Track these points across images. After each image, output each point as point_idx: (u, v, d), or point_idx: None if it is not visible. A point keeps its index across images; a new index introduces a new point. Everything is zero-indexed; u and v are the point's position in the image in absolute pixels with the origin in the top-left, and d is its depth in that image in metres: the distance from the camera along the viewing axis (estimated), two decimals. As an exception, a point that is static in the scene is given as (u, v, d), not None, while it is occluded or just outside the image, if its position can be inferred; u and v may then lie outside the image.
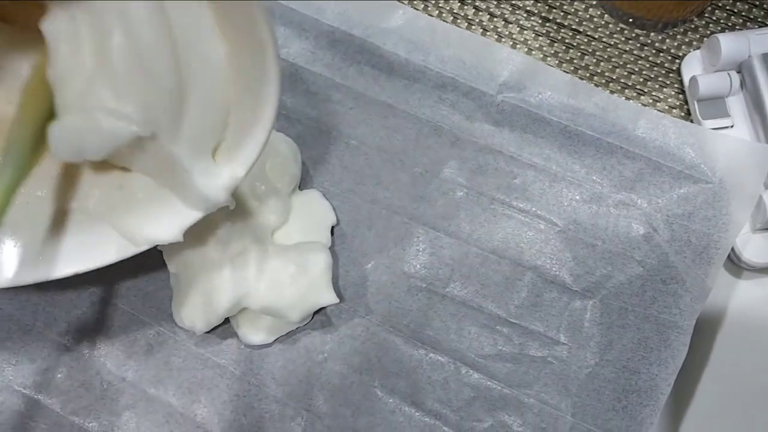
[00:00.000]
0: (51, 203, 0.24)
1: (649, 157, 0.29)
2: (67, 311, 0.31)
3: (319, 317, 0.30)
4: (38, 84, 0.21)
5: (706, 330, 0.29)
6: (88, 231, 0.25)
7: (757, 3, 0.34)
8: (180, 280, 0.29)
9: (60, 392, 0.30)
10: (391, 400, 0.28)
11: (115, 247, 0.24)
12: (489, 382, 0.28)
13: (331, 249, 0.30)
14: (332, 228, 0.30)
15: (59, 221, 0.24)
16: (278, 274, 0.28)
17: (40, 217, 0.24)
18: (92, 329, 0.30)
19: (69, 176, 0.25)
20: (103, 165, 0.24)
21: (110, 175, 0.24)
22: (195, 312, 0.28)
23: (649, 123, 0.29)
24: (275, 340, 0.29)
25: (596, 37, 0.34)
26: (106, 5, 0.19)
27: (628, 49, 0.34)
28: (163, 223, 0.24)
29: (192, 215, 0.23)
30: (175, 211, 0.23)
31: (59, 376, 0.30)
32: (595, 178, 0.30)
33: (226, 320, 0.29)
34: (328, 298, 0.28)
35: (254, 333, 0.29)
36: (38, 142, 0.20)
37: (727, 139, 0.29)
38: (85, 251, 0.25)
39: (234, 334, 0.30)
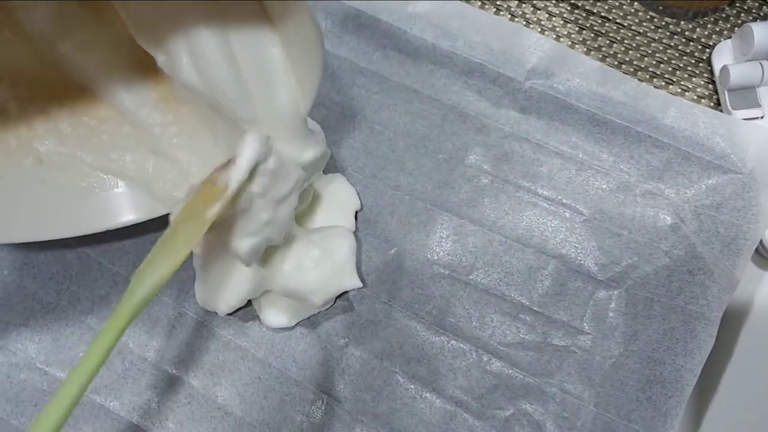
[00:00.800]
0: (88, 164, 0.27)
1: (678, 146, 0.29)
2: (90, 291, 0.31)
3: (341, 302, 0.30)
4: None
5: (732, 322, 0.29)
6: (120, 192, 0.28)
7: (791, -8, 0.33)
8: (203, 261, 0.29)
9: (82, 371, 0.30)
10: (412, 387, 0.29)
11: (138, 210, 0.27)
12: (511, 371, 0.28)
13: (355, 234, 0.30)
14: (356, 213, 0.30)
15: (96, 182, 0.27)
16: (302, 258, 0.28)
17: (76, 178, 0.27)
18: (114, 308, 0.31)
19: (108, 140, 0.27)
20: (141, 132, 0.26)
21: (145, 142, 0.26)
22: (218, 293, 0.29)
23: (679, 112, 0.29)
24: (297, 324, 0.30)
25: (625, 25, 0.34)
26: None
27: (657, 37, 0.34)
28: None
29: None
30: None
31: (81, 354, 0.30)
32: (622, 167, 0.29)
33: (249, 303, 0.29)
34: (352, 282, 0.28)
35: (276, 316, 0.29)
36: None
37: (757, 130, 0.29)
38: (117, 210, 0.28)
39: (256, 317, 0.30)
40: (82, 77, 0.26)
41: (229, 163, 0.22)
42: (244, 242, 0.24)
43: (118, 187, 0.28)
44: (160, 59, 0.22)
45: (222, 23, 0.21)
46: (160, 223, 0.31)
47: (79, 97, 0.26)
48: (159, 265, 0.21)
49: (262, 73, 0.22)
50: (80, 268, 0.31)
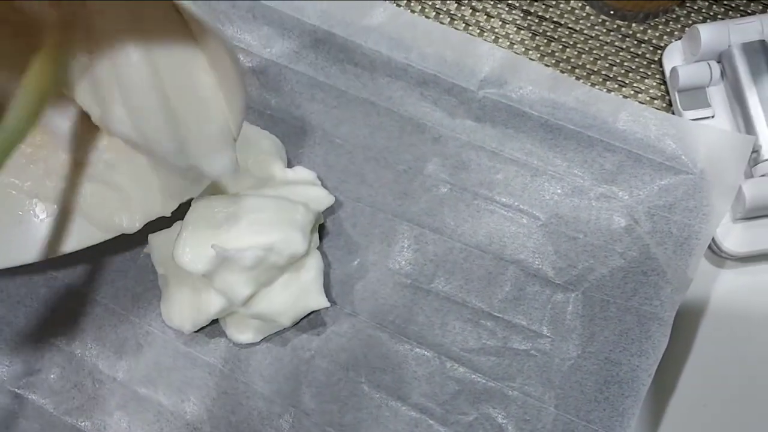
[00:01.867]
0: (25, 191, 0.27)
1: (630, 149, 0.30)
2: (59, 313, 0.32)
3: (307, 316, 0.31)
4: (46, 62, 0.22)
5: (688, 320, 0.30)
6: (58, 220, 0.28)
7: (740, -8, 0.34)
8: (168, 281, 0.30)
9: (53, 392, 0.31)
10: (377, 395, 0.29)
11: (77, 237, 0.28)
12: (473, 376, 0.29)
13: (319, 248, 0.31)
14: (319, 227, 0.31)
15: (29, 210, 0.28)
16: (270, 283, 0.29)
17: (13, 207, 0.27)
18: (84, 330, 0.31)
19: (44, 167, 0.27)
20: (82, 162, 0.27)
21: (82, 168, 0.27)
22: (183, 313, 0.29)
23: (630, 115, 0.30)
24: (263, 339, 0.30)
25: (577, 29, 0.35)
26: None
27: (609, 40, 0.34)
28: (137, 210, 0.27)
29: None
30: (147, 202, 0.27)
31: (52, 376, 0.31)
32: (576, 171, 0.30)
33: (215, 320, 0.30)
34: (319, 302, 0.29)
35: (242, 333, 0.30)
36: (35, 116, 0.22)
37: (707, 130, 0.29)
38: (55, 238, 0.28)
39: (222, 333, 0.30)
40: None
41: None
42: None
43: (55, 215, 0.28)
44: (95, 115, 0.23)
45: (149, 48, 0.22)
46: (126, 244, 0.31)
47: None
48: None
49: (195, 103, 0.23)
50: (48, 291, 0.32)
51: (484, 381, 0.29)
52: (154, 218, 0.28)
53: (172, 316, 0.30)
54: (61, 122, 0.26)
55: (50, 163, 0.27)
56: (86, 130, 0.27)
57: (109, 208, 0.27)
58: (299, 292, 0.29)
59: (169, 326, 0.30)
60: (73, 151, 0.27)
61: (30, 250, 0.28)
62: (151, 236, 0.30)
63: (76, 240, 0.28)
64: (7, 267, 0.28)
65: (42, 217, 0.28)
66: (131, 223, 0.27)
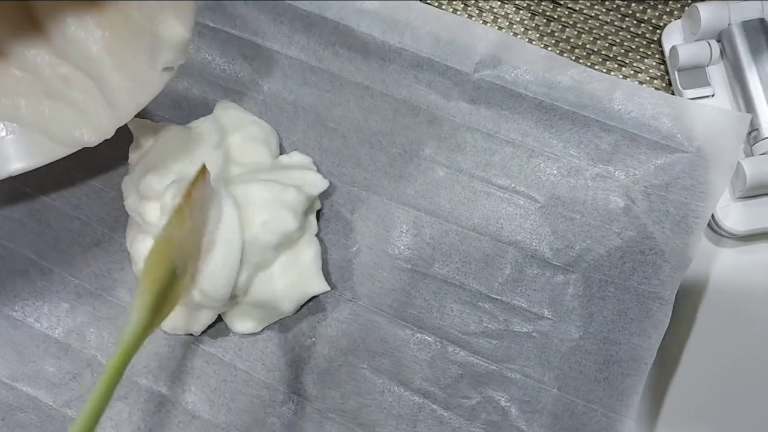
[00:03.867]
0: None
1: (625, 128, 0.30)
2: (55, 304, 0.32)
3: (307, 303, 0.31)
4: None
5: (689, 299, 0.30)
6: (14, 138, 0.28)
7: (738, -32, 0.34)
8: None
9: (51, 384, 0.31)
10: (379, 381, 0.30)
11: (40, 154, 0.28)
12: (474, 359, 0.30)
13: (317, 234, 0.31)
14: (317, 213, 0.32)
15: None
16: (267, 268, 0.29)
17: None
18: (81, 322, 0.32)
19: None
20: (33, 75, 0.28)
21: (37, 85, 0.28)
22: (184, 321, 0.30)
23: (625, 95, 0.31)
24: (264, 328, 0.31)
25: (577, 9, 0.35)
26: None
27: (609, 20, 0.35)
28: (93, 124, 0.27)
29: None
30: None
31: (50, 369, 0.31)
32: (572, 152, 0.31)
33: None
34: (320, 286, 0.30)
35: (243, 323, 0.31)
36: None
37: (704, 108, 0.30)
38: (12, 157, 0.28)
39: (222, 323, 0.31)
40: None
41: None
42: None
43: (13, 133, 0.28)
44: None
45: None
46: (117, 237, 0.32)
47: None
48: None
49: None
50: (44, 282, 0.33)
51: (485, 364, 0.30)
52: (113, 130, 0.28)
53: (175, 325, 0.30)
54: (10, 36, 0.27)
55: (4, 81, 0.28)
56: (39, 45, 0.27)
57: (69, 123, 0.27)
58: (298, 277, 0.29)
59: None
60: (27, 68, 0.27)
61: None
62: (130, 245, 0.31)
63: (39, 156, 0.28)
64: None
65: (2, 135, 0.28)
66: (90, 138, 0.27)
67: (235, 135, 0.31)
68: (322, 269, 0.30)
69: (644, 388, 0.28)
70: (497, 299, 0.30)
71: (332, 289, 0.31)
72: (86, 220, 0.33)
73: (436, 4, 0.36)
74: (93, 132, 0.27)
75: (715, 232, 0.31)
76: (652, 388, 0.30)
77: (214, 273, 0.27)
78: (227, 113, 0.32)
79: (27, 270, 0.33)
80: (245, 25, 0.34)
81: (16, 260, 0.33)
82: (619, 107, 0.30)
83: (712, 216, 0.30)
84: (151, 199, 0.29)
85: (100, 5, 0.26)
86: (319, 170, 0.32)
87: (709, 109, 0.30)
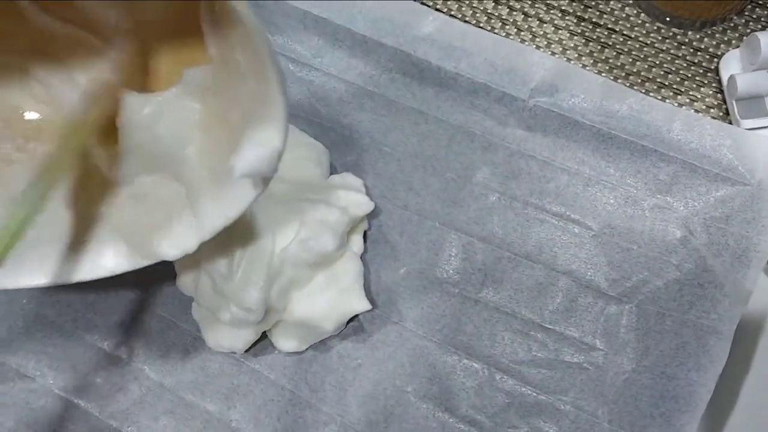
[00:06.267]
0: (69, 213, 0.26)
1: (685, 159, 0.30)
2: (107, 317, 0.33)
3: (352, 324, 0.32)
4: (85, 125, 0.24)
5: (747, 334, 0.30)
6: (100, 242, 0.27)
7: (800, -1, 0.35)
8: (202, 312, 0.31)
9: (99, 396, 0.32)
10: (424, 406, 0.30)
11: (126, 260, 0.27)
12: (524, 389, 0.30)
13: (363, 255, 0.32)
14: (365, 233, 0.33)
15: (75, 231, 0.27)
16: (309, 286, 0.30)
17: (56, 227, 0.26)
18: (131, 335, 0.33)
19: (86, 190, 0.27)
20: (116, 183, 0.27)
21: (123, 192, 0.27)
22: (228, 338, 0.31)
23: (685, 124, 0.31)
24: (308, 347, 0.32)
25: (632, 36, 0.36)
26: None
27: (664, 48, 0.35)
28: (177, 236, 0.26)
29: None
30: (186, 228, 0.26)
31: (98, 380, 0.33)
32: (629, 181, 0.31)
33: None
34: (361, 305, 0.30)
35: (287, 341, 0.31)
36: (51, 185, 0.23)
37: (765, 140, 0.30)
38: (93, 261, 0.27)
39: (268, 341, 0.32)
40: None
41: None
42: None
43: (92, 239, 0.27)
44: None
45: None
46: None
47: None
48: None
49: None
50: (96, 296, 0.34)
51: (534, 394, 0.30)
52: (196, 245, 0.26)
53: (220, 341, 0.31)
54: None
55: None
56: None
57: (151, 231, 0.26)
58: (339, 295, 0.30)
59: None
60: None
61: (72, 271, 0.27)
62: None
63: (111, 264, 0.26)
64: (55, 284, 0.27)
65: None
66: (172, 250, 0.26)
67: (287, 154, 0.32)
68: (369, 290, 0.31)
69: (699, 425, 0.28)
70: (549, 328, 0.30)
71: (378, 310, 0.32)
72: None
73: (489, 28, 0.37)
74: (175, 244, 0.25)
75: (776, 267, 0.31)
76: (708, 425, 0.30)
77: (243, 281, 0.28)
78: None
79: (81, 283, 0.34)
80: (304, 50, 0.35)
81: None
82: (679, 137, 0.31)
83: (773, 250, 0.30)
84: None
85: (204, 101, 0.25)
86: (369, 193, 0.33)
87: (771, 141, 0.30)
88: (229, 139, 0.23)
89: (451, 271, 0.32)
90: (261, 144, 0.22)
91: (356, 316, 0.32)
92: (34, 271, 0.26)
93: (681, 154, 0.31)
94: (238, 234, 0.28)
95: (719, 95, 0.34)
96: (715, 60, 0.35)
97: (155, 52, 0.26)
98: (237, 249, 0.28)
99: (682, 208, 0.30)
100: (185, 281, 0.31)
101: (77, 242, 0.26)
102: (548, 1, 0.36)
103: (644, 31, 0.36)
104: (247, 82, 0.22)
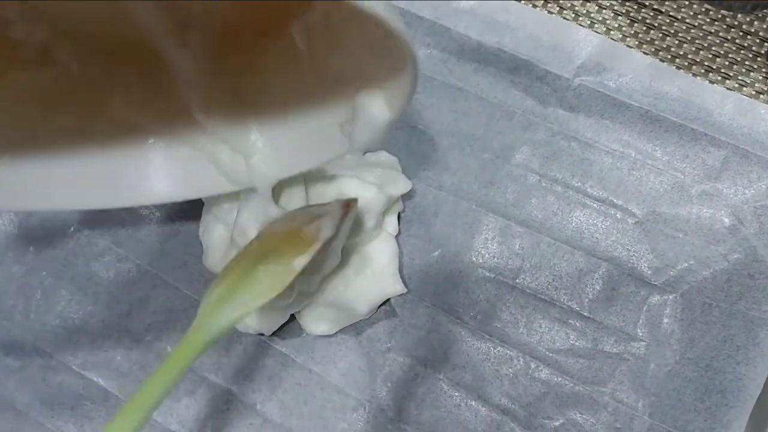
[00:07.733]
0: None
1: (736, 144, 0.29)
2: (129, 294, 0.32)
3: (383, 307, 0.31)
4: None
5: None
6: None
7: None
8: None
9: (120, 375, 0.32)
10: (456, 394, 0.29)
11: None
12: (560, 378, 0.29)
13: (397, 236, 0.31)
14: (398, 214, 0.32)
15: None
16: (342, 268, 0.29)
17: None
18: (154, 313, 0.32)
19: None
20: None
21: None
22: (256, 320, 0.30)
23: (736, 108, 0.30)
24: (338, 330, 0.31)
25: (679, 18, 0.34)
26: None
27: (713, 30, 0.34)
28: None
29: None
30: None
31: (119, 358, 0.32)
32: (677, 165, 0.30)
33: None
34: (395, 288, 0.29)
35: (318, 324, 0.30)
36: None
37: (822, 127, 0.29)
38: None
39: (296, 323, 0.31)
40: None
41: (317, 216, 0.23)
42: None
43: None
44: None
45: None
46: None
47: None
48: (232, 307, 0.21)
49: None
50: (118, 270, 0.33)
51: (571, 384, 0.29)
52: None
53: (247, 324, 0.30)
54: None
55: None
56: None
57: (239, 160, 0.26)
58: (373, 277, 0.29)
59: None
60: None
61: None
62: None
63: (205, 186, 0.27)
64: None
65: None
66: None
67: None
68: (401, 273, 0.30)
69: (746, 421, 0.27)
70: (588, 317, 0.29)
71: (411, 294, 0.31)
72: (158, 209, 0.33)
73: (531, 5, 0.35)
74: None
75: (827, 260, 0.30)
76: (754, 422, 0.29)
77: None
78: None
79: (102, 257, 0.33)
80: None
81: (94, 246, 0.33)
82: (730, 121, 0.30)
83: (826, 242, 0.29)
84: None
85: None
86: (403, 171, 0.32)
87: (828, 128, 0.29)
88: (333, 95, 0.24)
89: (487, 255, 0.31)
90: (377, 119, 0.22)
91: (388, 299, 0.31)
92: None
93: (732, 139, 0.29)
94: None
95: (770, 80, 0.33)
96: (766, 44, 0.34)
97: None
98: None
99: (731, 195, 0.29)
100: (214, 259, 0.30)
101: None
102: (591, -21, 0.35)
103: (692, 13, 0.34)
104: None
